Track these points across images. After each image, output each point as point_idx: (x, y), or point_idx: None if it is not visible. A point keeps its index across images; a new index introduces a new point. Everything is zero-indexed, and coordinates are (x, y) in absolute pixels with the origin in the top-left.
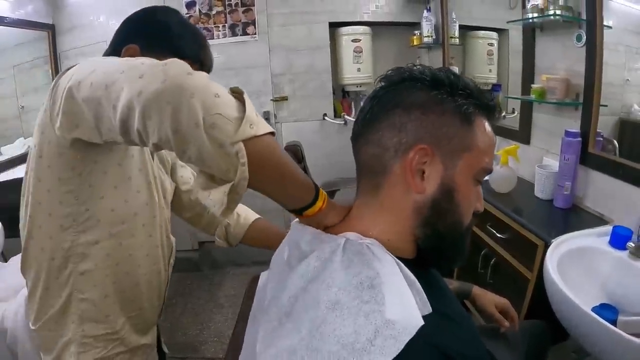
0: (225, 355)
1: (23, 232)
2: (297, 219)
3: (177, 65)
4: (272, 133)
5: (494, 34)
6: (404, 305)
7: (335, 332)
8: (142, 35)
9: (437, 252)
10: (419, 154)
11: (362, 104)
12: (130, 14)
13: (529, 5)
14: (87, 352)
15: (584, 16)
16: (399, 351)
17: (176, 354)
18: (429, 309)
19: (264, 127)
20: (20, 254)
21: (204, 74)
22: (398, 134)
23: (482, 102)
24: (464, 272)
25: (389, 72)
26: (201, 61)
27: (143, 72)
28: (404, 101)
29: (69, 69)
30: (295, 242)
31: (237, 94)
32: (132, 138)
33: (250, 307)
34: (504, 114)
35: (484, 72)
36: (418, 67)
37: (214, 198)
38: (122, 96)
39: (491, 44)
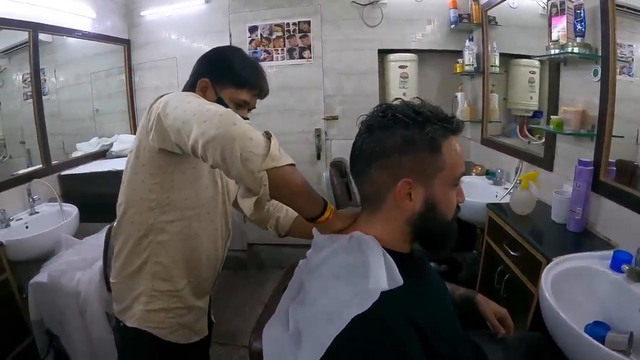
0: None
1: (119, 209)
2: (314, 227)
3: (228, 117)
4: (292, 164)
5: (536, 62)
6: (378, 280)
7: (330, 293)
8: (211, 71)
9: (430, 244)
10: (403, 186)
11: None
12: (205, 51)
13: (550, 41)
14: (154, 302)
15: (600, 53)
16: (368, 307)
17: (217, 340)
18: (399, 282)
19: (284, 161)
20: (96, 233)
21: (244, 123)
22: (385, 174)
23: (445, 125)
24: (483, 289)
25: (367, 114)
26: (259, 86)
27: (206, 118)
28: (385, 148)
29: (161, 96)
30: (315, 243)
31: (268, 135)
32: (197, 157)
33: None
34: (543, 140)
35: (525, 99)
36: (389, 110)
37: (246, 204)
38: (192, 133)
39: (533, 72)
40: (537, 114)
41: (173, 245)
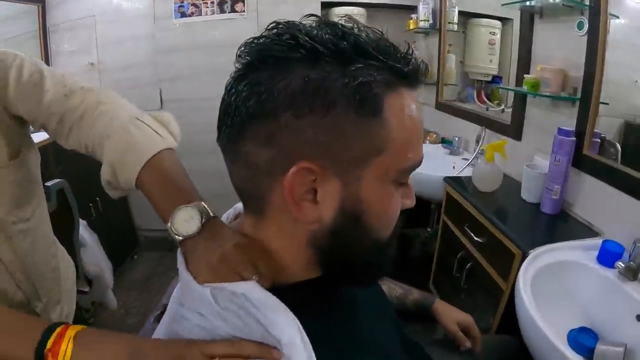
0: None
1: None
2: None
3: None
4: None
5: (498, 23)
6: None
7: None
8: None
9: (351, 274)
10: (299, 176)
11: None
12: None
13: None
14: None
15: (587, 1)
16: None
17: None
18: None
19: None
20: None
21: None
22: (267, 148)
23: (392, 65)
24: (439, 275)
25: (248, 41)
26: None
27: None
28: (268, 99)
29: None
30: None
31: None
32: None
33: None
34: (502, 107)
35: (484, 62)
36: (287, 30)
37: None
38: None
39: (493, 33)
40: (496, 79)
41: None
